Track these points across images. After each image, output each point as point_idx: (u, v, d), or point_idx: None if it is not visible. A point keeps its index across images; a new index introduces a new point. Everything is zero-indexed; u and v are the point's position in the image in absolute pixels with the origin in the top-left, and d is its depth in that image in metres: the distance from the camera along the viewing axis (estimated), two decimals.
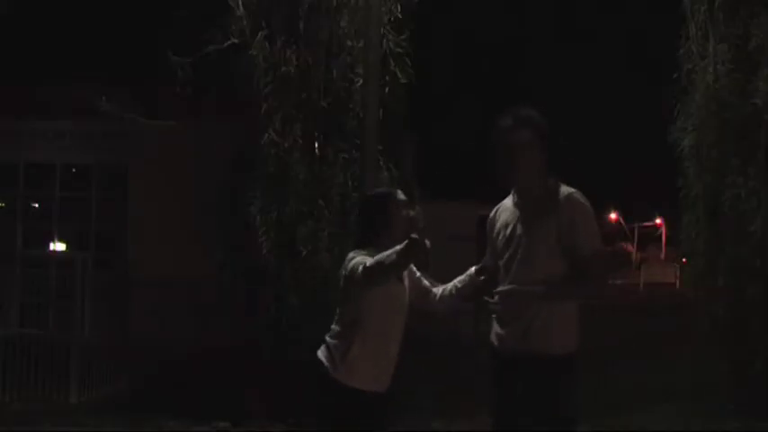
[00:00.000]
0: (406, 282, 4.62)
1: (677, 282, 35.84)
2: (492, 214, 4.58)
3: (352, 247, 4.57)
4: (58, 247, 14.10)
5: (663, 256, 58.50)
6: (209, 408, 9.08)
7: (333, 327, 4.54)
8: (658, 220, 63.66)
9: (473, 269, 4.61)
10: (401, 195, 4.58)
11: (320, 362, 4.48)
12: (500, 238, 4.43)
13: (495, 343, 4.40)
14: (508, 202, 4.48)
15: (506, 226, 4.40)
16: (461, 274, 4.71)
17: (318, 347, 4.56)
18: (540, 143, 4.28)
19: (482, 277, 4.55)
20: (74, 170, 14.24)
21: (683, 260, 11.76)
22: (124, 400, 10.24)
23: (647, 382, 11.06)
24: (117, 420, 9.08)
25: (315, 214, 8.83)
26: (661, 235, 62.93)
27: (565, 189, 4.31)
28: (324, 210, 8.82)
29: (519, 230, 4.32)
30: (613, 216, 68.20)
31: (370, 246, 4.45)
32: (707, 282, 9.63)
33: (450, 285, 4.68)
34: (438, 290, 4.70)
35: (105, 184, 13.79)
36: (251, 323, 9.05)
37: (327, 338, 4.53)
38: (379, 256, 4.21)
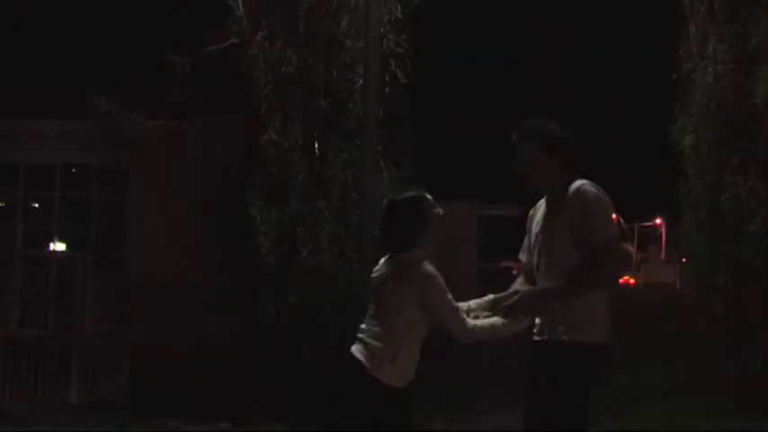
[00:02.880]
0: None
1: (677, 282, 35.91)
2: (531, 212, 4.82)
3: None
4: (58, 247, 14.08)
5: (663, 256, 58.55)
6: (209, 408, 9.08)
7: (373, 328, 4.56)
8: (658, 220, 63.72)
9: (491, 296, 4.67)
10: (429, 196, 4.74)
11: (357, 360, 4.53)
12: (533, 235, 4.69)
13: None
14: (543, 200, 4.74)
15: (537, 224, 4.67)
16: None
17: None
18: (550, 149, 4.54)
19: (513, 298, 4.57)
20: (74, 170, 14.22)
21: (683, 260, 11.74)
22: (124, 400, 10.24)
23: (647, 382, 11.06)
24: (117, 420, 9.08)
25: (315, 214, 8.83)
26: (661, 235, 62.97)
27: (577, 182, 4.50)
28: (324, 210, 8.82)
29: (543, 228, 4.61)
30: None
31: (416, 245, 4.60)
32: (707, 282, 9.63)
33: (468, 305, 4.70)
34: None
35: (105, 184, 13.77)
36: (251, 323, 9.05)
37: (367, 339, 4.56)
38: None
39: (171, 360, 10.42)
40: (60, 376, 10.09)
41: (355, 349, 4.58)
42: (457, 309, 4.52)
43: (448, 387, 10.18)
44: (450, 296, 4.51)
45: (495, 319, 4.55)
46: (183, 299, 11.05)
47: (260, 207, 8.94)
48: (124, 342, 11.19)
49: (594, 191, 4.46)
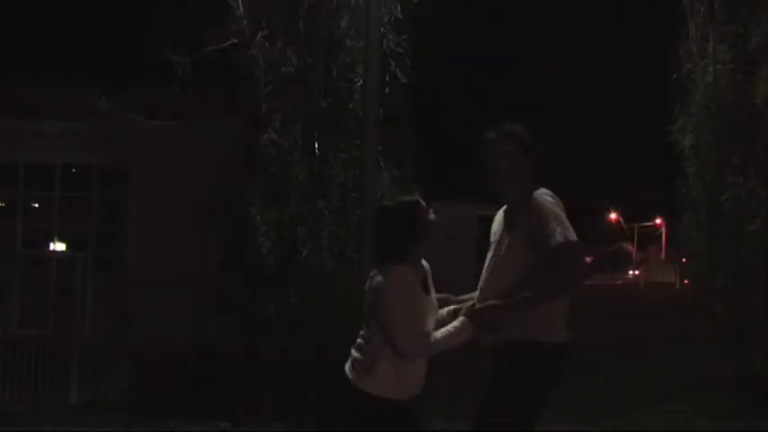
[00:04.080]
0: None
1: (677, 282, 35.93)
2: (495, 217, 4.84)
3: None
4: (58, 247, 14.10)
5: (663, 256, 58.62)
6: (209, 408, 9.08)
7: (360, 341, 4.49)
8: (658, 220, 63.78)
9: (452, 307, 4.65)
10: (423, 201, 4.54)
11: (346, 376, 4.48)
12: (491, 243, 4.74)
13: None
14: (501, 210, 4.78)
15: (494, 233, 4.74)
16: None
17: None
18: (523, 154, 4.60)
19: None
20: (74, 170, 14.24)
21: (683, 260, 11.73)
22: (124, 400, 10.24)
23: (647, 382, 11.07)
24: (117, 420, 9.08)
25: (315, 214, 8.83)
26: (661, 235, 63.02)
27: (540, 190, 4.55)
28: (324, 210, 8.82)
29: (502, 236, 4.64)
30: (613, 216, 68.29)
31: (401, 257, 4.39)
32: (707, 282, 9.64)
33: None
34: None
35: (105, 184, 13.79)
36: (251, 323, 9.05)
37: (352, 349, 4.50)
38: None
39: (171, 360, 10.42)
40: (60, 376, 10.09)
41: (346, 365, 4.52)
42: (408, 324, 4.29)
43: (448, 387, 10.18)
44: (404, 311, 4.28)
45: (447, 331, 4.40)
46: (183, 299, 11.06)
47: (260, 207, 8.94)
48: (124, 342, 11.19)
49: (552, 199, 4.51)
